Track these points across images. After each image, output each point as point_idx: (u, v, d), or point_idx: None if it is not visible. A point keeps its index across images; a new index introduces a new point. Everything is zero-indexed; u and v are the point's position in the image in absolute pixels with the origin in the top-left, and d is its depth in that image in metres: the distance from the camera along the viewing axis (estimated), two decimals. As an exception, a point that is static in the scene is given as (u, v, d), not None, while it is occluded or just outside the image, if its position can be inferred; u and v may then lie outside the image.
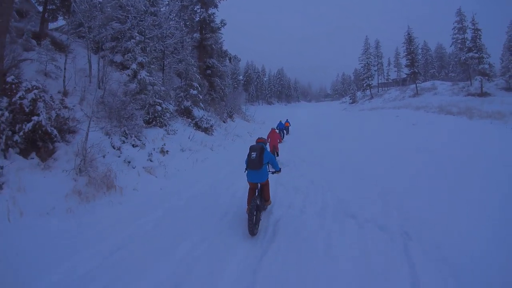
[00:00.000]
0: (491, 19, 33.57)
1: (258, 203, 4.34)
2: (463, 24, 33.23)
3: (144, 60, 9.75)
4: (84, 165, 6.05)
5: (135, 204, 5.37)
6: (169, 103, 11.16)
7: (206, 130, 12.20)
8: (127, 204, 5.34)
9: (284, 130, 17.57)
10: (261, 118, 29.08)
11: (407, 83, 52.24)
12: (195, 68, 13.08)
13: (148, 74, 9.64)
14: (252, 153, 4.39)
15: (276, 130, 10.40)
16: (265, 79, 72.21)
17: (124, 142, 7.47)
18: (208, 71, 21.38)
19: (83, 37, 11.78)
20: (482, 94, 28.80)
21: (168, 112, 10.26)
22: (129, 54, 9.74)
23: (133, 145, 7.51)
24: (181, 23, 16.91)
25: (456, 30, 33.86)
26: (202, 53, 19.81)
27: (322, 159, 9.51)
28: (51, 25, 16.77)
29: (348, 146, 11.71)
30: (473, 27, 32.09)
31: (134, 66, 9.54)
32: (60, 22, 15.78)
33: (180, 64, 13.20)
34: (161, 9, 14.46)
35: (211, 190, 6.33)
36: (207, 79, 21.36)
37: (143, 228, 4.40)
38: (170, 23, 13.51)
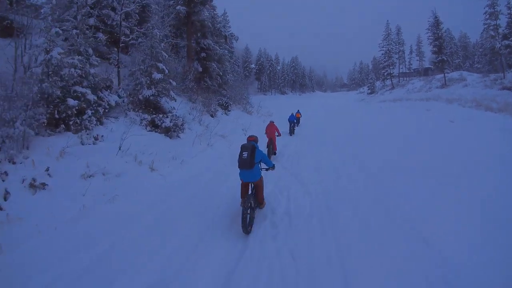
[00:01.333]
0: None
1: (252, 202, 3.93)
2: (495, 9, 27.33)
3: (61, 32, 6.03)
4: None
5: None
6: (112, 93, 7.44)
7: (167, 131, 8.33)
8: None
9: (295, 122, 15.42)
10: (269, 109, 23.97)
11: (430, 73, 45.87)
12: (163, 44, 9.13)
13: (63, 51, 5.90)
14: (244, 153, 3.98)
15: (274, 124, 9.53)
16: (279, 68, 66.53)
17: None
18: (203, 54, 17.37)
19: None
20: (519, 88, 23.28)
21: (101, 106, 6.58)
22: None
23: (-19, 174, 3.91)
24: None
25: (488, 15, 27.84)
26: (190, 30, 15.77)
27: (335, 194, 5.21)
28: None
29: (376, 162, 7.08)
30: (508, 12, 26.67)
31: (40, 41, 5.86)
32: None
33: (140, 39, 9.33)
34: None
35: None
36: (201, 64, 17.43)
37: None
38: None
